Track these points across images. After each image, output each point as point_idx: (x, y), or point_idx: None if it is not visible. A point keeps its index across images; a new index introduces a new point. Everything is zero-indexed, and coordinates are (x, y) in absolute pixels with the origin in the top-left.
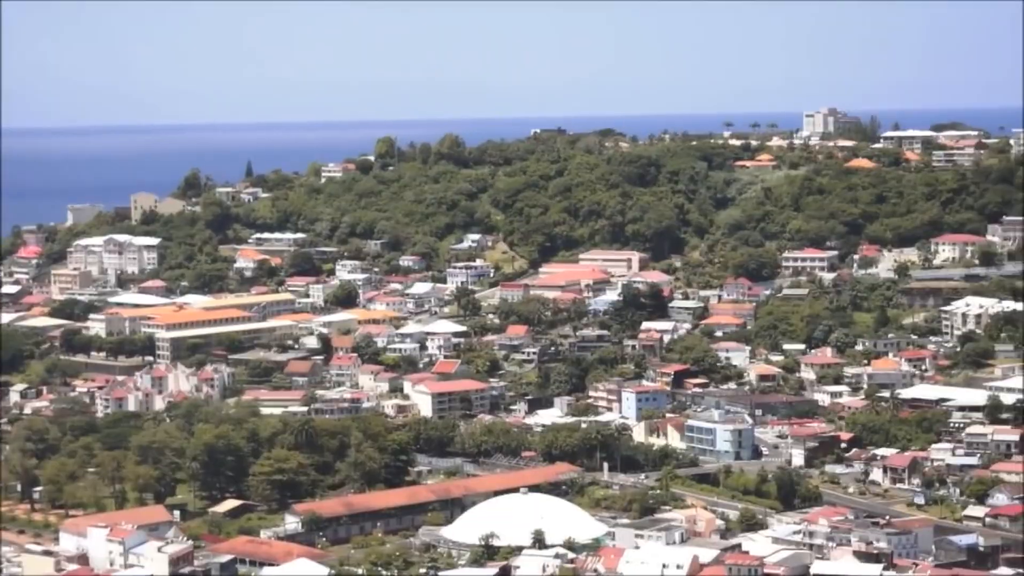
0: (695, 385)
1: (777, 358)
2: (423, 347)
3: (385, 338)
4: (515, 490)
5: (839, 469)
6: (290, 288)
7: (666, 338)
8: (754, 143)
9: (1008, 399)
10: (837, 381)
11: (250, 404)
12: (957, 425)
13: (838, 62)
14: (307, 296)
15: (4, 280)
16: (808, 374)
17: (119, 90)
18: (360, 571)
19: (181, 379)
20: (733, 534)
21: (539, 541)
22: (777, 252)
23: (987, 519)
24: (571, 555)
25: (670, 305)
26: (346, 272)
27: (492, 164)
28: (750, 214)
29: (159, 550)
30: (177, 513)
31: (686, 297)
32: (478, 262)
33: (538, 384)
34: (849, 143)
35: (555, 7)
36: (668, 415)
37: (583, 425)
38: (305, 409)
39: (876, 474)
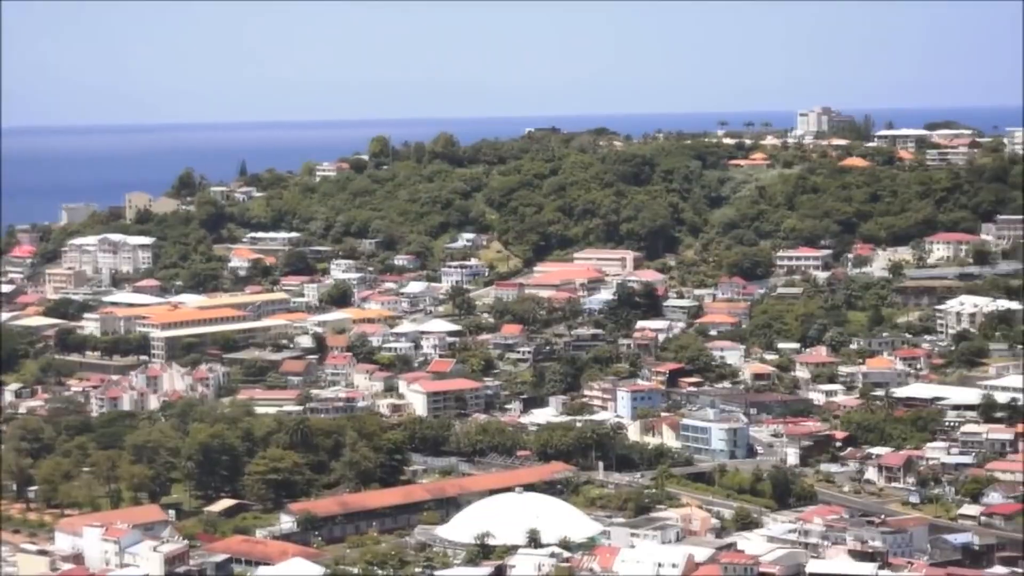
0: (690, 384)
1: (771, 357)
2: (418, 346)
3: (379, 337)
4: (510, 489)
5: (834, 468)
6: (284, 287)
7: (661, 337)
8: (748, 142)
9: (1002, 398)
10: (831, 380)
11: (245, 403)
12: (951, 424)
13: (838, 62)
14: (301, 295)
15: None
16: (803, 373)
17: (119, 90)
18: (355, 570)
19: (176, 378)
20: (728, 533)
21: (534, 540)
22: (771, 251)
23: (982, 518)
24: (566, 554)
25: (664, 304)
26: (340, 271)
27: (486, 163)
28: (744, 213)
29: (154, 549)
30: (172, 512)
31: (680, 296)
32: (472, 261)
33: (533, 383)
34: (843, 142)
35: (555, 7)
36: (663, 414)
37: (578, 424)
38: (300, 408)
39: (871, 473)
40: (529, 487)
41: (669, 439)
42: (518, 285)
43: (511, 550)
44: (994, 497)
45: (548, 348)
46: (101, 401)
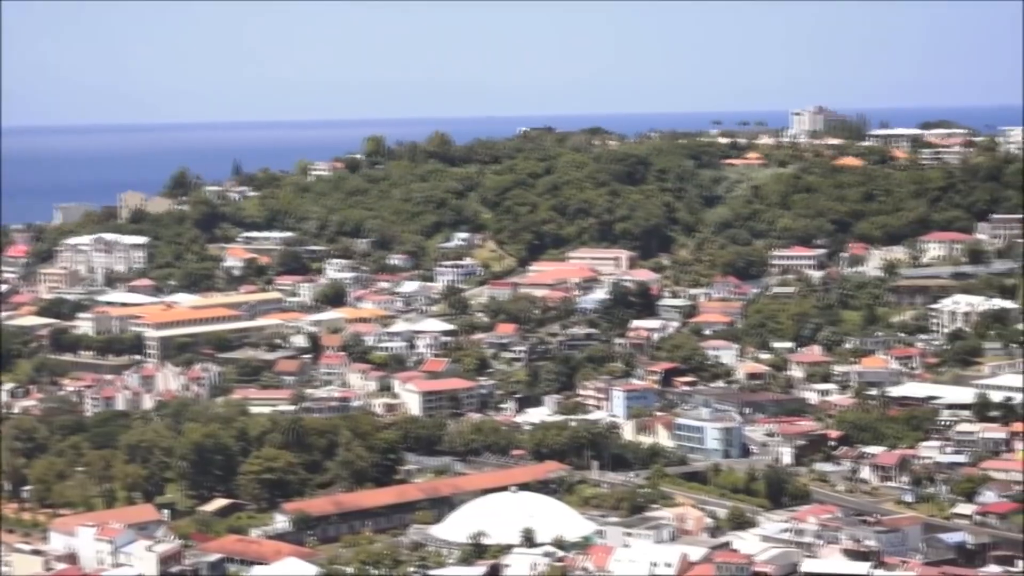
0: (684, 383)
1: (766, 356)
2: (412, 346)
3: (374, 337)
4: (504, 489)
5: (828, 467)
6: (278, 287)
7: (655, 336)
8: (742, 141)
9: (996, 397)
10: (826, 379)
11: (239, 403)
12: (946, 423)
13: (838, 62)
14: (295, 295)
15: None
16: (797, 372)
17: (119, 89)
18: (349, 570)
19: (170, 378)
20: (722, 532)
21: (528, 540)
22: (765, 250)
23: (976, 517)
24: (560, 553)
25: (659, 303)
26: (334, 271)
27: (480, 162)
28: (738, 212)
29: (148, 549)
30: (166, 512)
31: (675, 295)
32: (466, 260)
33: (527, 382)
34: (837, 141)
35: (554, 7)
36: (657, 413)
37: (572, 423)
38: (294, 408)
39: (865, 472)
40: (523, 486)
41: (663, 438)
42: (512, 284)
43: (505, 550)
44: (988, 496)
45: (542, 347)
46: (95, 401)
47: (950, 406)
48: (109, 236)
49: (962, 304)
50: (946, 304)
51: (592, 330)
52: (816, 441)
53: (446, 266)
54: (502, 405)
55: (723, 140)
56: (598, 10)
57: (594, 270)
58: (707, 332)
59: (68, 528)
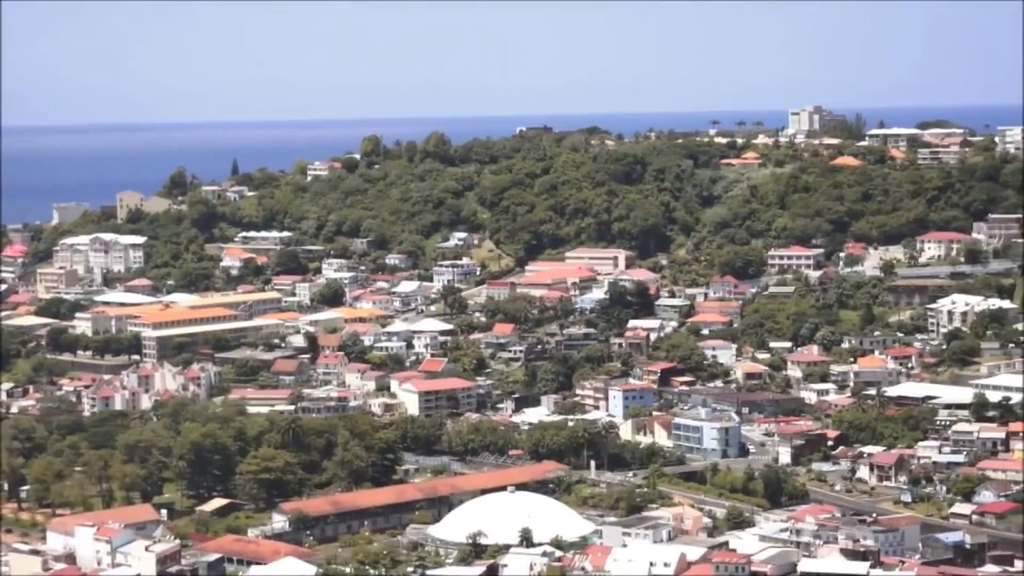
0: (682, 383)
1: (763, 356)
2: (410, 345)
3: (372, 336)
4: (502, 488)
5: (826, 467)
6: (276, 287)
7: (652, 336)
8: (740, 141)
9: (994, 396)
10: (823, 379)
11: (237, 403)
12: (943, 423)
13: (838, 62)
14: (293, 295)
15: None
16: (794, 372)
17: (118, 89)
18: (347, 570)
19: (168, 378)
20: (720, 532)
21: (526, 539)
22: (763, 250)
23: (973, 516)
24: (558, 553)
25: (656, 303)
26: (332, 270)
27: (478, 162)
28: (736, 212)
29: (146, 549)
30: (164, 512)
31: (672, 295)
32: (464, 260)
33: (525, 382)
34: (835, 141)
35: (554, 7)
36: (655, 413)
37: (570, 423)
38: (292, 408)
39: (863, 472)
40: (521, 486)
41: (661, 438)
42: (510, 284)
43: (503, 549)
44: (986, 496)
45: (540, 347)
46: (93, 400)
47: (948, 406)
48: (107, 236)
49: (960, 304)
50: (944, 304)
51: (590, 330)
52: (814, 441)
53: (444, 266)
54: (500, 405)
55: (721, 140)
56: (597, 10)
57: (592, 270)
58: (705, 332)
59: (66, 528)
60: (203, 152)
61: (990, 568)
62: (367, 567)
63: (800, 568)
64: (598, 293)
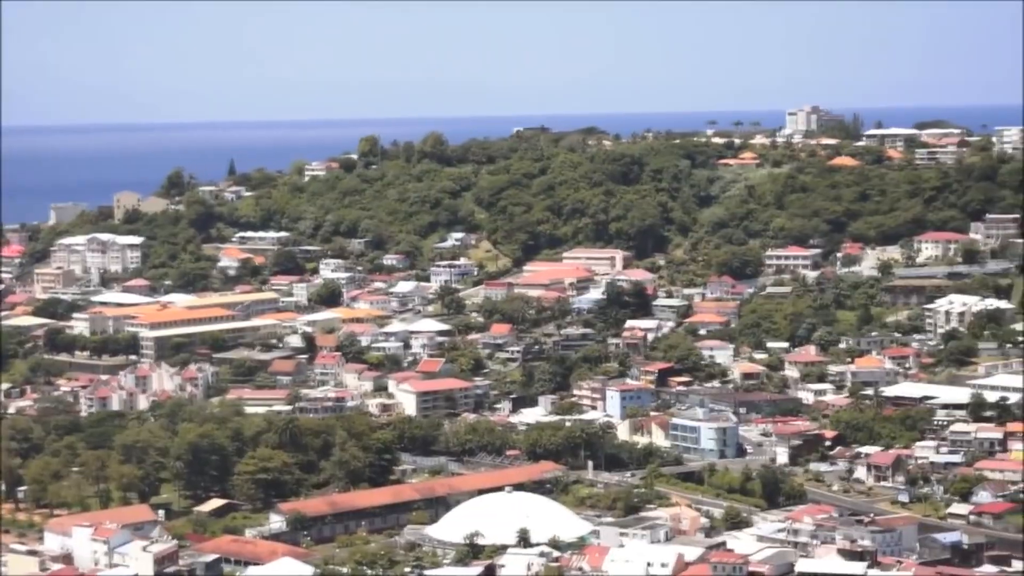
0: (679, 383)
1: (761, 356)
2: (407, 346)
3: (369, 337)
4: (500, 489)
5: (823, 467)
6: (274, 287)
7: (650, 336)
8: (737, 141)
9: (991, 397)
10: (821, 379)
11: (234, 403)
12: (941, 423)
13: (838, 62)
14: (291, 295)
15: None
16: (792, 372)
17: (118, 89)
18: (345, 570)
19: (165, 378)
20: (718, 532)
21: (524, 540)
22: (760, 250)
23: (971, 517)
24: (556, 554)
25: (654, 303)
26: (330, 271)
27: (475, 162)
28: (733, 212)
29: (144, 549)
30: (161, 512)
31: (670, 295)
32: (462, 260)
33: (522, 383)
34: (832, 141)
35: (555, 7)
36: (652, 413)
37: (567, 424)
38: (289, 408)
39: (860, 472)
40: (519, 487)
41: (658, 438)
42: (507, 284)
43: (501, 550)
44: (983, 496)
45: (537, 347)
46: (90, 401)
47: (945, 406)
48: (104, 236)
49: (957, 304)
50: (941, 304)
51: (587, 330)
52: (811, 441)
53: (441, 266)
54: (497, 405)
55: (718, 140)
56: (597, 10)
57: (589, 270)
58: (702, 332)
59: (63, 528)
60: (203, 152)
61: (987, 568)
62: (364, 567)
63: (797, 568)
64: (595, 293)
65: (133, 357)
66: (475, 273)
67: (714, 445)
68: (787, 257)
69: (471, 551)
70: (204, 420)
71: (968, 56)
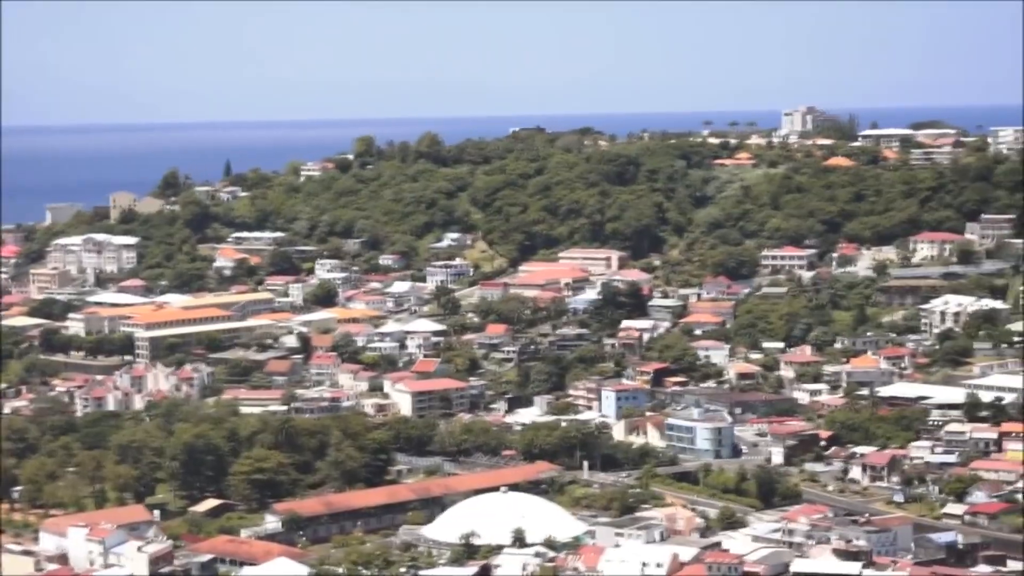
0: (675, 383)
1: (756, 356)
2: (403, 346)
3: (364, 337)
4: (495, 489)
5: (818, 467)
6: (269, 287)
7: (645, 336)
8: (733, 142)
9: (986, 397)
10: (816, 379)
11: (229, 403)
12: (936, 423)
13: (838, 62)
14: (286, 295)
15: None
16: (787, 372)
17: (118, 89)
18: (340, 571)
19: (160, 378)
20: (713, 532)
21: (519, 540)
22: (756, 250)
23: (966, 517)
24: (551, 554)
25: (649, 304)
26: (325, 271)
27: (471, 163)
28: (729, 212)
29: (139, 550)
30: (157, 513)
31: (665, 296)
32: (457, 261)
33: (518, 383)
34: (827, 142)
35: (555, 7)
36: (648, 413)
37: (563, 424)
38: (285, 408)
39: (855, 472)
40: (514, 487)
41: (654, 439)
42: (503, 285)
43: (496, 550)
44: (978, 496)
45: (533, 348)
46: (86, 401)
47: (940, 406)
48: (99, 236)
49: (952, 304)
50: (936, 304)
51: (583, 330)
52: (807, 441)
53: (437, 266)
54: (493, 405)
55: (714, 140)
56: (597, 10)
57: (585, 270)
58: (698, 332)
59: (59, 528)
60: (202, 152)
61: (982, 568)
62: (360, 568)
63: (792, 568)
64: (591, 294)
65: (129, 357)
66: (471, 273)
67: (709, 445)
68: (783, 257)
69: (467, 551)
70: (200, 420)
71: (967, 56)
